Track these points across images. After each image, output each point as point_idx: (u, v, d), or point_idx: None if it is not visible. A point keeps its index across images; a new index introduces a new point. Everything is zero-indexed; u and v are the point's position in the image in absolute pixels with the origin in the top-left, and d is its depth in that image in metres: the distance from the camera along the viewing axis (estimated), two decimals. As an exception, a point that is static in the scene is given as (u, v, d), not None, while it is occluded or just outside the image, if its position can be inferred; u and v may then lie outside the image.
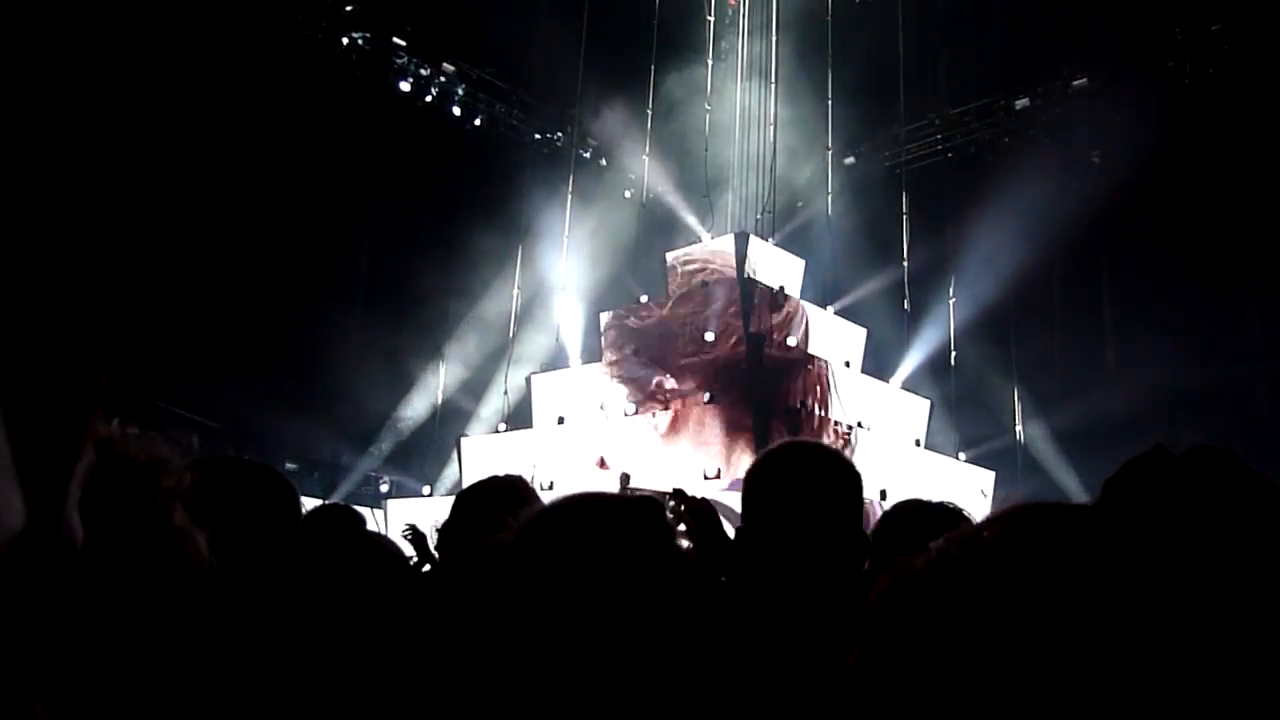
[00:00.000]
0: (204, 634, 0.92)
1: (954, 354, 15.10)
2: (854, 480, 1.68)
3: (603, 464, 9.29)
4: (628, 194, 18.56)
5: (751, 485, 1.69)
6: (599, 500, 0.90)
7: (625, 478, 11.26)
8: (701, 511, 2.02)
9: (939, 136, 17.22)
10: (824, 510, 1.64)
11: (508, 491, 2.38)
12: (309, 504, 3.14)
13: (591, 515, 0.89)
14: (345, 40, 16.44)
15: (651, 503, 0.91)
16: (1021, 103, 16.29)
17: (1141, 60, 14.66)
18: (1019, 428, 14.98)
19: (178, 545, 0.91)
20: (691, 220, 16.29)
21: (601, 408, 12.24)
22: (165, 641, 0.85)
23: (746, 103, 15.52)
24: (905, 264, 15.35)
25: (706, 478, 10.40)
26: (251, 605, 1.21)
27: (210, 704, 0.90)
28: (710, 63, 16.39)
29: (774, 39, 15.57)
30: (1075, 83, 15.65)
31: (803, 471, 1.67)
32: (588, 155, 18.94)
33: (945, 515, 2.00)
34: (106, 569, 0.80)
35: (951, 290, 15.38)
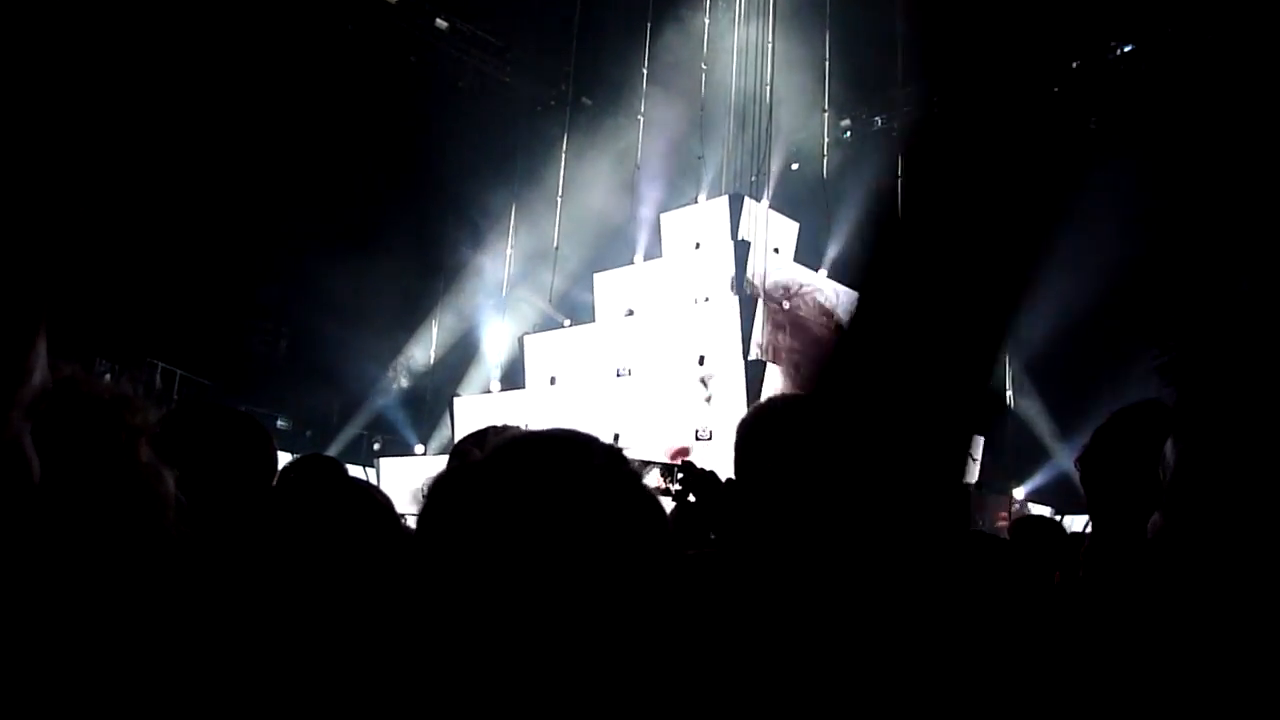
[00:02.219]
0: (173, 567, 0.91)
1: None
2: None
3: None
4: (622, 154, 18.42)
5: (744, 439, 1.70)
6: (565, 434, 0.91)
7: (614, 438, 11.30)
8: (703, 476, 2.05)
9: (935, 98, 17.08)
10: (819, 464, 1.65)
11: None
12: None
13: (557, 445, 0.90)
14: (337, -6, 16.19)
15: (612, 448, 0.92)
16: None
17: (1138, 19, 14.54)
18: (1009, 393, 15.07)
19: (144, 480, 0.90)
20: (687, 181, 16.20)
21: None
22: (133, 573, 0.84)
23: (742, 63, 15.37)
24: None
25: (699, 437, 10.47)
26: (227, 542, 1.21)
27: (181, 633, 0.91)
28: (706, 21, 16.21)
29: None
30: (1074, 64, 15.50)
31: (796, 424, 1.68)
32: (582, 115, 18.77)
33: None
34: (73, 502, 0.79)
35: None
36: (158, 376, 13.17)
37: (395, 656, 0.89)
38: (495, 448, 0.88)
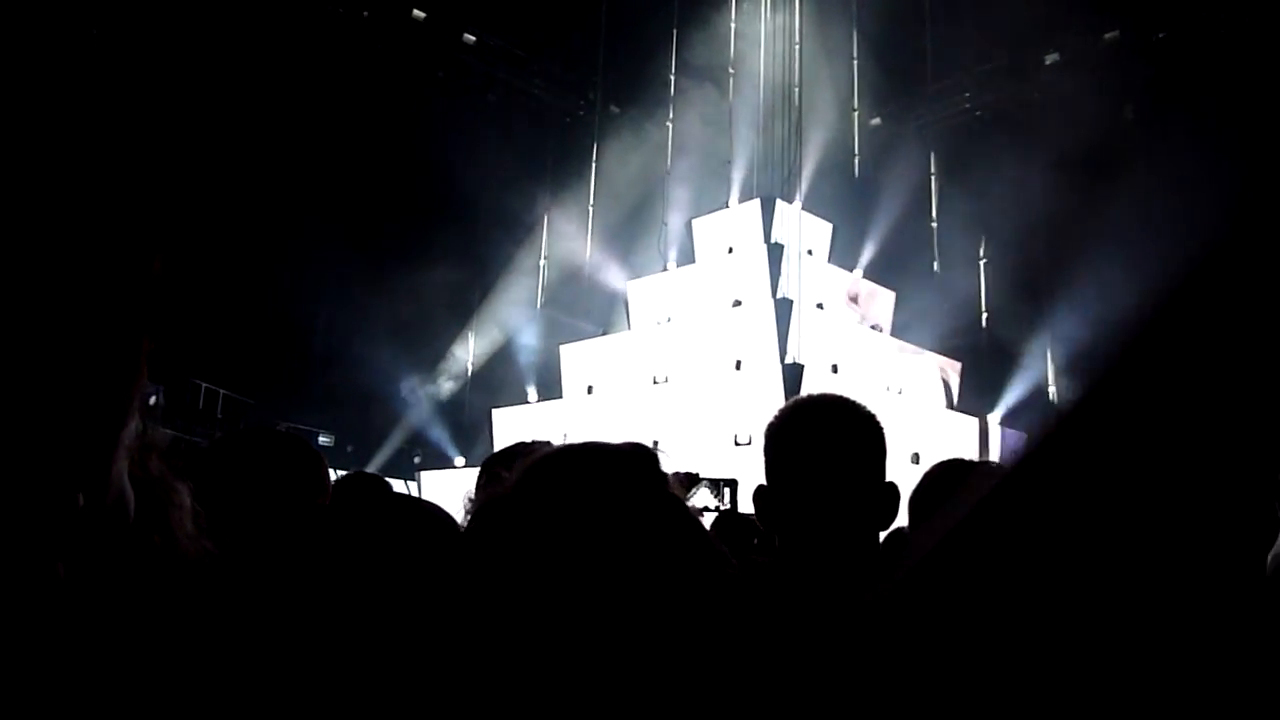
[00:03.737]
0: (188, 579, 0.92)
1: (985, 314, 14.96)
2: (877, 431, 1.67)
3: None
4: (652, 161, 18.46)
5: (773, 440, 1.68)
6: (588, 450, 0.91)
7: (654, 445, 11.29)
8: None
9: (967, 95, 16.93)
10: (848, 462, 1.63)
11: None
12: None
13: (582, 464, 0.90)
14: (366, 13, 16.41)
15: (644, 450, 0.91)
16: (1052, 58, 15.96)
17: (1177, 10, 14.30)
18: (1051, 388, 14.84)
19: (156, 493, 0.92)
20: (718, 186, 16.19)
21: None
22: (147, 585, 0.86)
23: (770, 66, 15.34)
24: (934, 225, 15.18)
25: (737, 444, 10.42)
26: (276, 565, 1.23)
27: (195, 645, 0.92)
28: (733, 25, 16.20)
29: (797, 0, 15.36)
30: (1107, 35, 15.31)
31: (826, 426, 1.66)
32: (611, 123, 18.84)
33: (984, 475, 1.99)
34: (91, 521, 0.81)
35: (982, 250, 15.20)
36: (201, 396, 13.40)
37: (444, 677, 0.90)
38: (522, 472, 0.88)
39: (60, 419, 0.53)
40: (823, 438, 1.62)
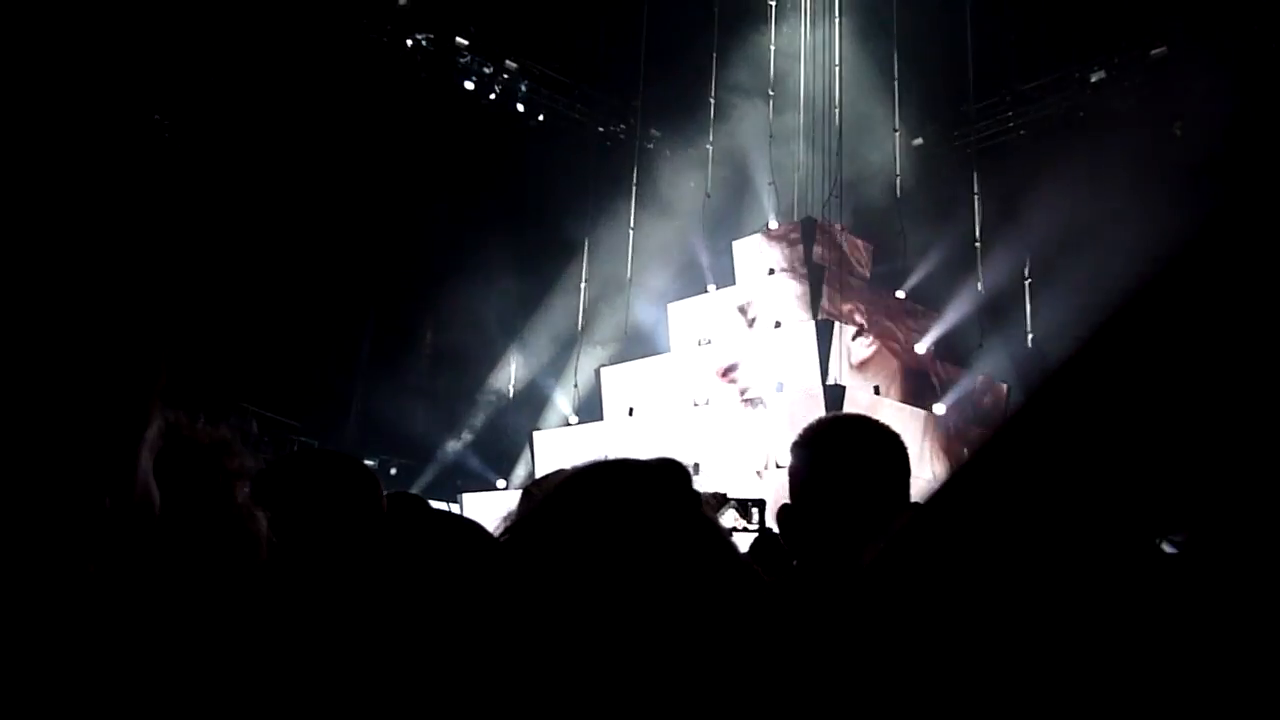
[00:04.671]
0: (265, 602, 0.96)
1: (1030, 334, 14.74)
2: (900, 451, 1.65)
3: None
4: (692, 184, 18.52)
5: (796, 460, 1.67)
6: (617, 466, 0.90)
7: (695, 468, 11.25)
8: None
9: (1010, 113, 16.76)
10: (871, 483, 1.61)
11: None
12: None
13: (613, 479, 0.90)
14: (410, 42, 16.70)
15: (675, 464, 0.91)
16: (1097, 75, 15.76)
17: (1225, 25, 14.06)
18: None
19: (240, 520, 0.96)
20: (758, 208, 16.18)
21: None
22: (228, 606, 0.90)
23: (810, 86, 15.33)
24: (978, 245, 15.01)
25: (778, 466, 10.34)
26: (323, 578, 1.26)
27: (264, 660, 0.95)
28: (772, 48, 16.23)
29: (837, 19, 15.35)
30: (1154, 52, 15.09)
31: (849, 444, 1.65)
32: (651, 146, 18.93)
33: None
34: (175, 541, 0.85)
35: (1027, 271, 14.98)
36: (253, 422, 13.59)
37: (472, 685, 0.91)
38: (553, 487, 0.89)
39: (85, 424, 0.54)
40: (846, 458, 1.61)
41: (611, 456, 0.97)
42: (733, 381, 12.54)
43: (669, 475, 0.89)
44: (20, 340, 0.51)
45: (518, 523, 0.90)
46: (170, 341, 0.60)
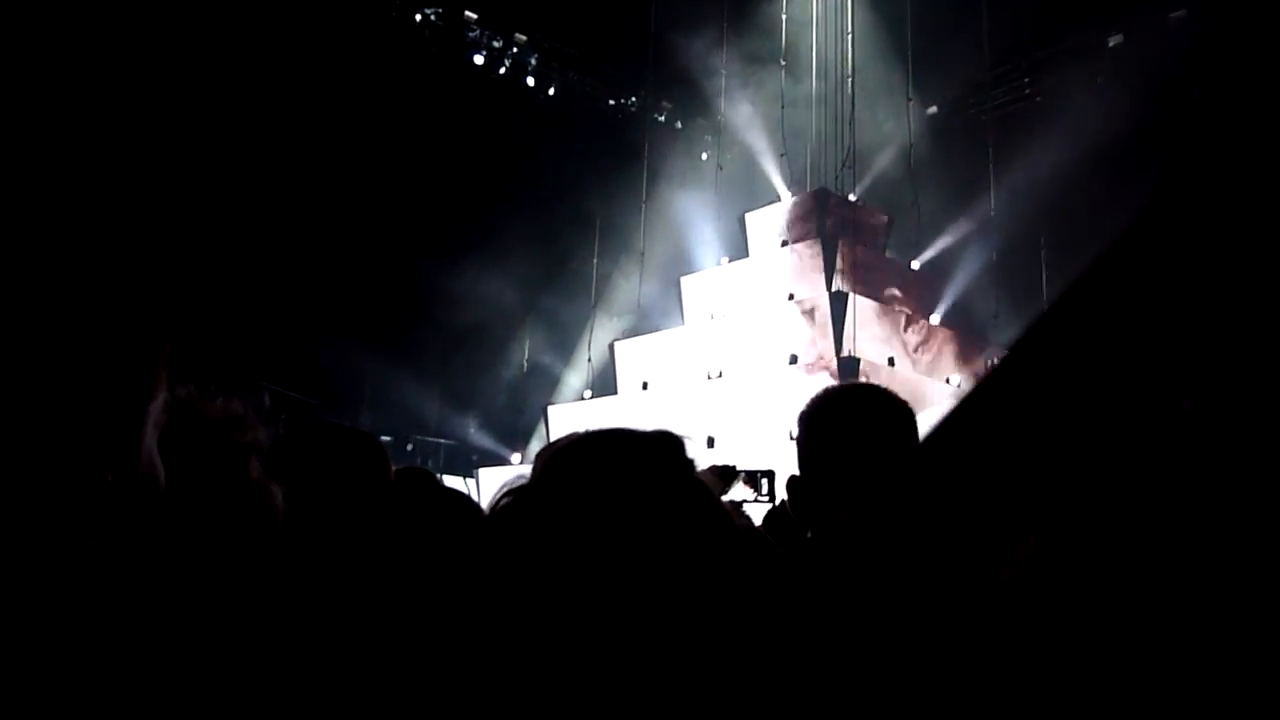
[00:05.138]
0: (282, 575, 0.97)
1: (1047, 305, 14.62)
2: (909, 420, 1.63)
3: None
4: (704, 156, 18.40)
5: (807, 431, 1.66)
6: (612, 435, 0.91)
7: (709, 441, 11.27)
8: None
9: (1026, 80, 16.54)
10: (880, 452, 1.60)
11: None
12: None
13: (604, 449, 0.90)
14: (419, 16, 16.60)
15: (669, 435, 0.91)
16: (1115, 39, 15.52)
17: (1246, -14, 13.78)
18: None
19: (254, 495, 0.96)
20: (771, 179, 16.07)
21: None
22: (244, 579, 0.90)
23: (823, 56, 15.17)
24: (993, 214, 14.88)
25: (792, 438, 10.34)
26: (334, 552, 1.27)
27: (287, 638, 0.95)
28: (784, 16, 16.05)
29: (850, -12, 15.16)
30: (1173, 15, 14.83)
31: (858, 414, 1.63)
32: (662, 119, 18.81)
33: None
34: (188, 516, 0.85)
35: (1043, 240, 14.85)
36: (266, 396, 13.67)
37: (461, 660, 0.91)
38: (546, 457, 0.89)
39: (88, 399, 0.54)
40: (855, 427, 1.60)
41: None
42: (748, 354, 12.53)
43: (662, 445, 0.89)
44: (21, 312, 0.51)
45: (513, 490, 0.90)
46: (175, 315, 0.60)
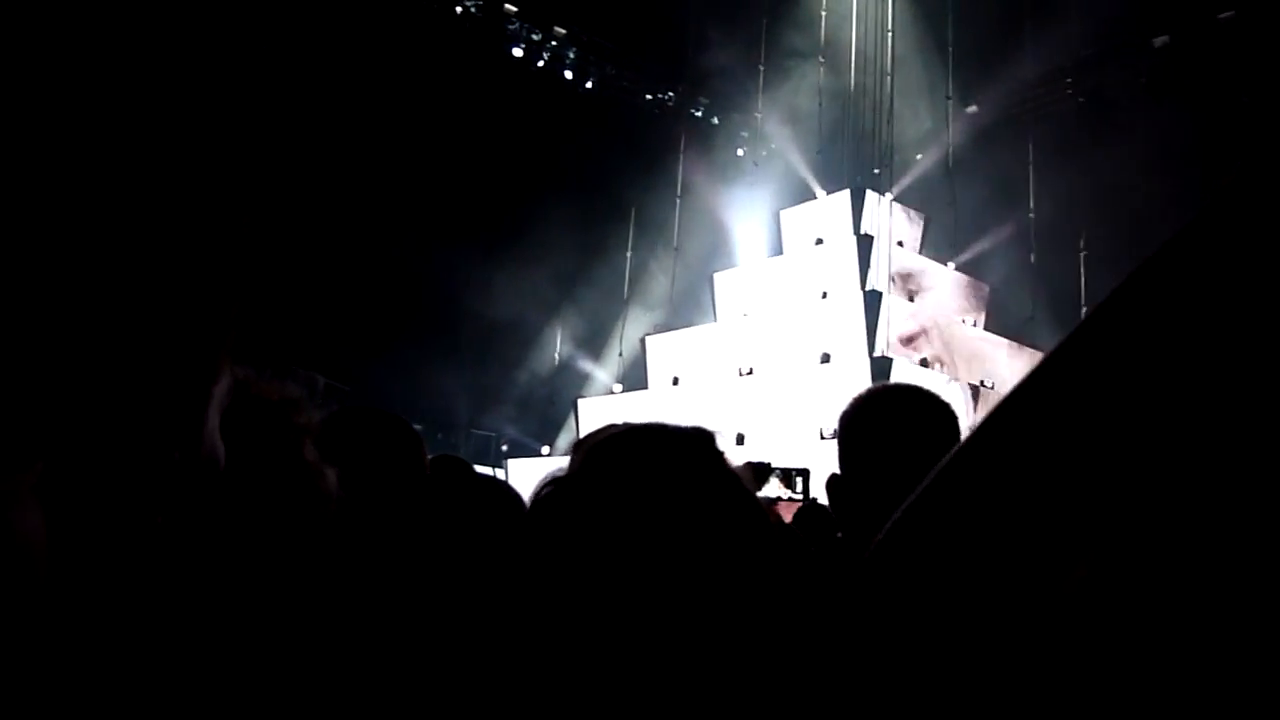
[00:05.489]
0: (334, 556, 0.99)
1: (1084, 308, 14.44)
2: (951, 421, 1.63)
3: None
4: (740, 152, 18.34)
5: (848, 430, 1.66)
6: (649, 430, 0.92)
7: (739, 438, 11.25)
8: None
9: (1069, 80, 16.30)
10: (921, 453, 1.59)
11: None
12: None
13: (641, 444, 0.92)
14: (459, 9, 16.69)
15: (703, 431, 0.93)
16: (1160, 40, 15.25)
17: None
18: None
19: (309, 477, 0.98)
20: (806, 177, 15.99)
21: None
22: (298, 560, 0.92)
23: (862, 53, 15.06)
24: (1032, 216, 14.70)
25: (823, 437, 10.30)
26: (381, 533, 1.29)
27: (340, 618, 0.97)
28: (824, 13, 15.95)
29: (891, -15, 15.03)
30: (1221, 16, 14.56)
31: (900, 414, 1.63)
32: (699, 114, 18.77)
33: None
34: (246, 496, 0.87)
35: (1082, 243, 14.66)
36: (320, 380, 13.82)
37: (496, 651, 0.93)
38: (584, 452, 0.91)
39: (156, 379, 0.56)
40: (897, 427, 1.59)
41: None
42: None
43: (697, 441, 0.90)
44: (91, 294, 0.53)
45: (546, 487, 0.92)
46: (242, 297, 0.61)
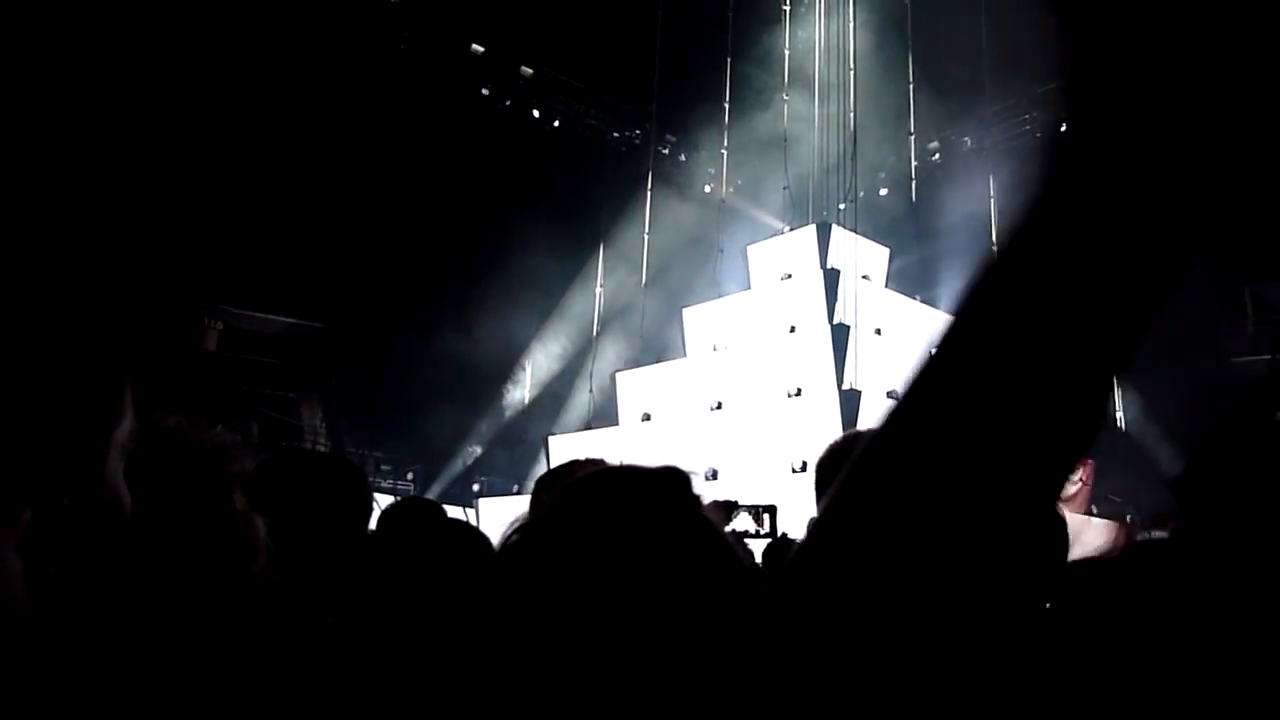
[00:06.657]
0: (261, 606, 0.97)
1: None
2: None
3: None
4: (707, 189, 18.51)
5: (823, 475, 1.64)
6: (621, 472, 0.91)
7: (712, 474, 11.23)
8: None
9: (1027, 116, 16.66)
10: None
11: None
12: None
13: (613, 485, 0.90)
14: (427, 50, 16.79)
15: (676, 471, 0.92)
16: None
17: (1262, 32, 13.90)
18: (1119, 414, 14.44)
19: (236, 525, 0.97)
20: (772, 213, 16.14)
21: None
22: (223, 610, 0.90)
23: (825, 90, 15.29)
24: (994, 249, 14.90)
25: (794, 471, 10.31)
26: (317, 585, 1.25)
27: (265, 669, 0.94)
28: (787, 52, 16.21)
29: (852, 23, 15.30)
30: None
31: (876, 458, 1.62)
32: (666, 152, 18.94)
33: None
34: (171, 544, 0.85)
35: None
36: (255, 426, 13.67)
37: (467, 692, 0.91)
38: (557, 494, 0.89)
39: (45, 422, 0.54)
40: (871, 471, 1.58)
41: (622, 461, 0.97)
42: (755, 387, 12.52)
43: (669, 482, 0.89)
44: None
45: (521, 528, 0.90)
46: (139, 341, 0.60)
